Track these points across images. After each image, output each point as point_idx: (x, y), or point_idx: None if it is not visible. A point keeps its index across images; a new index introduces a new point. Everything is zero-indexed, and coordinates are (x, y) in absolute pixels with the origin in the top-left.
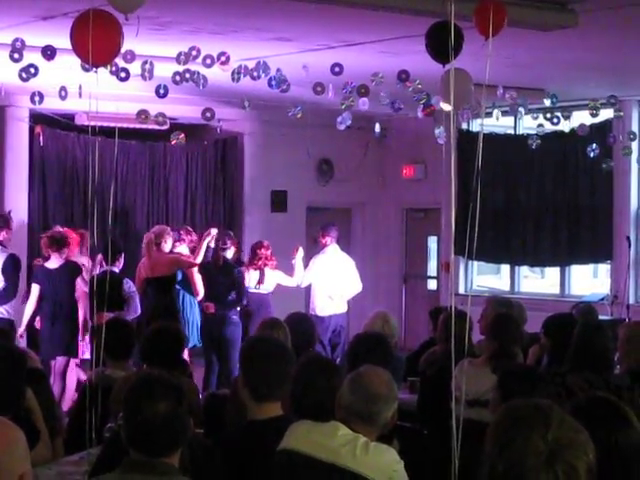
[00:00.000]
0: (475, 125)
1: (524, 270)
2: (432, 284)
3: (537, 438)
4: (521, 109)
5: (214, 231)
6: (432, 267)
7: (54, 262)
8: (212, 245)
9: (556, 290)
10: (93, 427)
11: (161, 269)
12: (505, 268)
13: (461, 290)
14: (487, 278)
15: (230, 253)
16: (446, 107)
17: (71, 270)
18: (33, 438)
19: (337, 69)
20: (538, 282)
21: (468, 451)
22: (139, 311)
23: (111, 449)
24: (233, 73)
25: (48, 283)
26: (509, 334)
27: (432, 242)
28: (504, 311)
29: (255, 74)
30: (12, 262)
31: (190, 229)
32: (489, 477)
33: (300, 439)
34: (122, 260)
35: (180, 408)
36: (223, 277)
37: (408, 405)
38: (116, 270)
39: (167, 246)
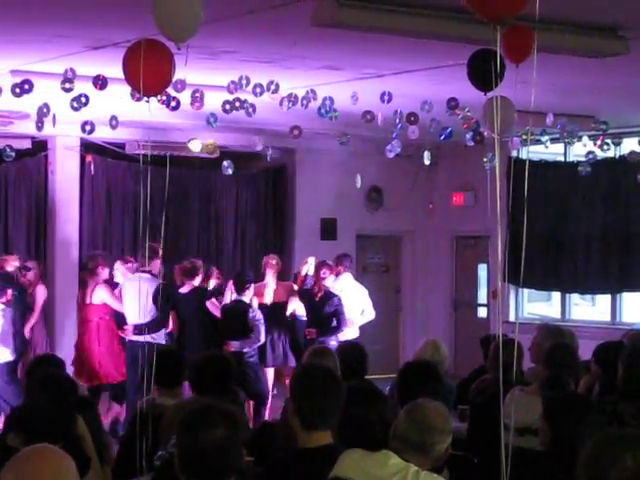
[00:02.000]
0: (525, 153)
1: (575, 297)
2: (482, 312)
3: (626, 456)
4: (572, 138)
5: (311, 260)
6: (482, 295)
7: (185, 288)
8: (309, 273)
9: (607, 317)
10: (144, 455)
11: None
12: (556, 295)
13: (511, 318)
14: (538, 305)
15: (330, 281)
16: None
17: (200, 295)
18: (84, 466)
19: (386, 97)
20: (589, 309)
21: (517, 479)
22: (263, 339)
23: (161, 477)
24: (282, 102)
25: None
26: (564, 364)
27: (482, 270)
28: (562, 341)
29: (304, 103)
30: (161, 292)
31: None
32: None
33: (351, 467)
34: (252, 289)
35: (235, 436)
36: (325, 305)
37: (458, 433)
38: (245, 299)
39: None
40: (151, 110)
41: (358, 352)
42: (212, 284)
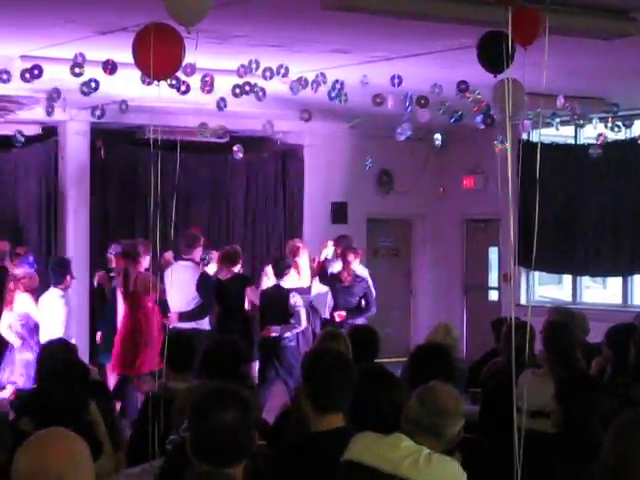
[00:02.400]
0: (536, 135)
1: (586, 280)
2: (493, 295)
3: None
4: (583, 120)
5: (330, 243)
6: (493, 278)
7: (226, 274)
8: (328, 257)
9: (618, 300)
10: (156, 439)
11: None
12: (567, 278)
13: (522, 301)
14: (549, 288)
15: (356, 265)
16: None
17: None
18: (96, 450)
19: (396, 80)
20: (600, 292)
21: (531, 462)
22: (305, 324)
23: (173, 461)
24: (292, 85)
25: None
26: (562, 343)
27: (493, 253)
28: (555, 319)
29: (314, 86)
30: (205, 280)
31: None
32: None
33: (363, 450)
34: (290, 274)
35: (247, 419)
36: (354, 288)
37: (470, 416)
38: (284, 284)
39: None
40: (161, 94)
41: (370, 335)
42: (213, 269)
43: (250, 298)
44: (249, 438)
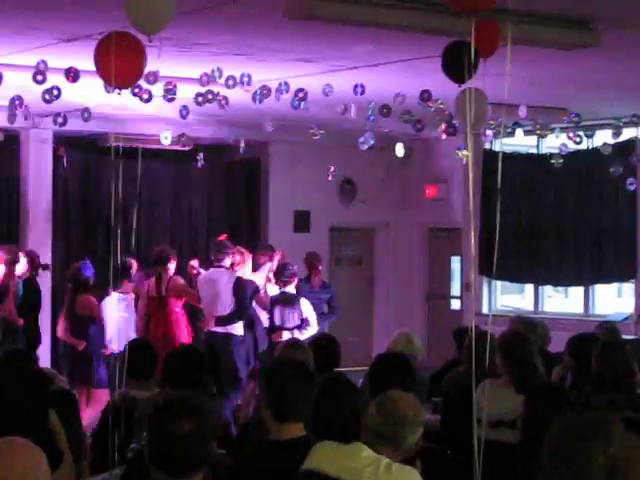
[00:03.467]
0: (498, 145)
1: (548, 290)
2: (455, 304)
3: (598, 454)
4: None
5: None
6: (455, 287)
7: None
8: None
9: (580, 310)
10: (116, 447)
11: None
12: (529, 288)
13: (484, 310)
14: (511, 298)
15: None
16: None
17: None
18: (56, 460)
19: (359, 89)
20: (562, 302)
21: (490, 472)
22: (316, 327)
23: (134, 469)
24: (255, 94)
25: None
26: (518, 352)
27: (455, 262)
28: (511, 329)
29: (277, 95)
30: (240, 285)
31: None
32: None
33: (323, 460)
34: (295, 281)
35: (204, 429)
36: (322, 294)
37: (431, 425)
38: (290, 290)
39: None
40: (123, 102)
41: (331, 344)
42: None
43: (261, 304)
44: (206, 448)
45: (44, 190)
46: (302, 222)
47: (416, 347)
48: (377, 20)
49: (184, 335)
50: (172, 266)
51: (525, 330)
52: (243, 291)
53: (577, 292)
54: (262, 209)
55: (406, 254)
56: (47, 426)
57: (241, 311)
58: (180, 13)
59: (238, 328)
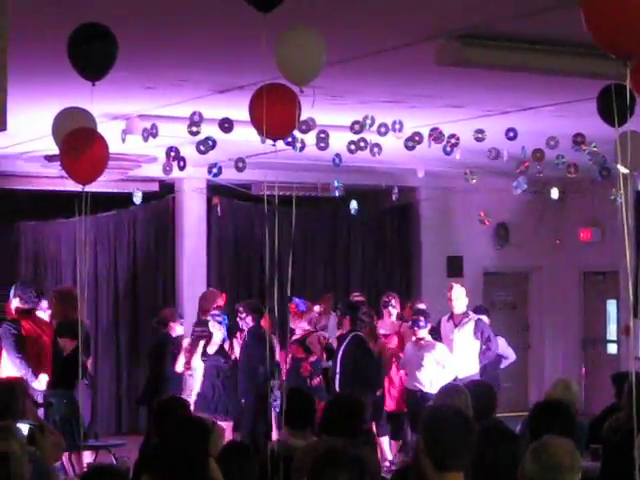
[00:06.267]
0: None
1: None
2: (612, 348)
3: None
4: None
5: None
6: (612, 331)
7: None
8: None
9: None
10: None
11: None
12: None
13: None
14: None
15: None
16: (623, 169)
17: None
18: None
19: (511, 134)
20: None
21: None
22: None
23: None
24: (407, 141)
25: None
26: None
27: (611, 305)
28: None
29: (428, 141)
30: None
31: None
32: None
33: None
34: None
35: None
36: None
37: (591, 473)
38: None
39: None
40: (277, 152)
41: (488, 390)
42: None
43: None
44: None
45: (199, 238)
46: (455, 267)
47: (574, 393)
48: (529, 65)
49: None
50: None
51: None
52: None
53: None
54: (414, 254)
55: (561, 298)
56: (208, 473)
57: None
58: (331, 62)
59: None
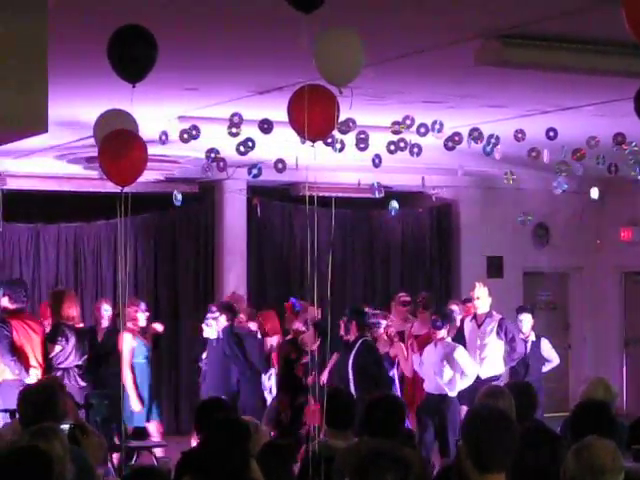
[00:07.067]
0: None
1: None
2: None
3: None
4: None
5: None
6: None
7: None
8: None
9: None
10: None
11: None
12: None
13: None
14: None
15: None
16: None
17: None
18: None
19: (551, 133)
20: None
21: None
22: None
23: None
24: (447, 141)
25: None
26: None
27: None
28: None
29: (469, 141)
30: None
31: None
32: None
33: None
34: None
35: None
36: None
37: (634, 474)
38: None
39: None
40: (316, 152)
41: (529, 391)
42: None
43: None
44: None
45: (239, 239)
46: (495, 267)
47: (613, 394)
48: (569, 65)
49: None
50: None
51: None
52: None
53: None
54: (454, 255)
55: (601, 298)
56: (249, 475)
57: None
58: (372, 63)
59: None
